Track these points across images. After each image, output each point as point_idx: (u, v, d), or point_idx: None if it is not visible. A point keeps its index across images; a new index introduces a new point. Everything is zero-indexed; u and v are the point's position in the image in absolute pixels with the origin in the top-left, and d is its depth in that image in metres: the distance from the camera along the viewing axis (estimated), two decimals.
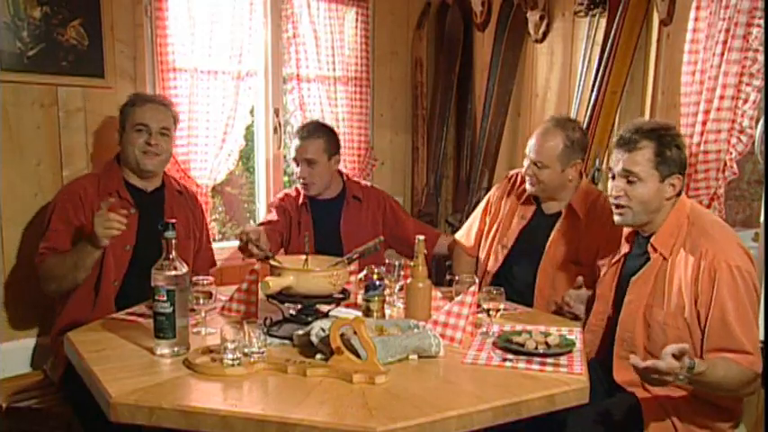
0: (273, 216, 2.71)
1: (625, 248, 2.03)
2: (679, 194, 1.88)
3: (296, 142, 2.71)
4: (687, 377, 1.56)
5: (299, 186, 2.79)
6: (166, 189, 2.49)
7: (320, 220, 2.72)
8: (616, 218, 1.92)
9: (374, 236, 2.70)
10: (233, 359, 1.59)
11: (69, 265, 2.15)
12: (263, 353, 1.62)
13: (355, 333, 1.57)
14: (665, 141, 1.83)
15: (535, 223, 2.43)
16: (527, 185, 2.40)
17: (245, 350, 1.61)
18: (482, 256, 2.58)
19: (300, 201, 2.75)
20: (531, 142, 2.35)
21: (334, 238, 2.67)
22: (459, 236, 2.72)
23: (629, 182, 1.85)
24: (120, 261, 2.26)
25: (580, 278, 2.20)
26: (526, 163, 2.37)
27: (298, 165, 2.70)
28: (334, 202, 2.77)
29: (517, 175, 2.56)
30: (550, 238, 2.37)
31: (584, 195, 2.37)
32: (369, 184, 3.08)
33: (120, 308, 2.16)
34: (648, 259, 1.90)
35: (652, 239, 1.89)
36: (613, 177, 1.91)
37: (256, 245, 2.17)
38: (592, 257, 2.26)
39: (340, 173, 2.86)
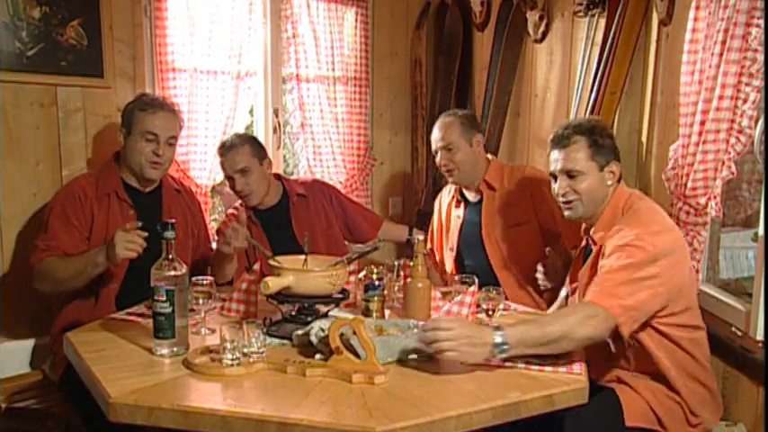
0: None
1: (582, 243, 2.10)
2: (619, 180, 1.95)
3: (220, 160, 2.61)
4: (502, 345, 1.56)
5: (237, 203, 2.71)
6: (164, 188, 2.48)
7: (271, 228, 2.65)
8: (566, 213, 1.98)
9: (328, 227, 2.73)
10: (232, 359, 1.59)
11: (72, 271, 2.12)
12: (262, 353, 1.62)
13: (354, 333, 1.57)
14: (595, 132, 1.92)
15: (469, 216, 2.63)
16: (448, 178, 2.61)
17: (245, 350, 1.61)
18: (441, 267, 2.76)
19: (245, 215, 2.62)
20: (435, 136, 2.58)
21: (290, 240, 2.59)
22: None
23: (570, 177, 1.92)
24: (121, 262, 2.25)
25: (548, 249, 2.39)
26: (438, 156, 2.57)
27: (231, 180, 2.59)
28: (279, 207, 2.68)
29: (442, 193, 2.80)
30: (482, 218, 2.55)
31: (496, 170, 2.58)
32: (309, 178, 3.04)
33: (120, 308, 2.16)
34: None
35: (591, 231, 1.95)
36: (555, 178, 1.98)
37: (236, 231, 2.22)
38: (527, 214, 2.49)
39: (278, 177, 2.77)
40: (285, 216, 2.67)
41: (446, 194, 2.77)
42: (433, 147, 2.59)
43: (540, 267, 2.34)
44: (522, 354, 1.62)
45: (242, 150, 2.56)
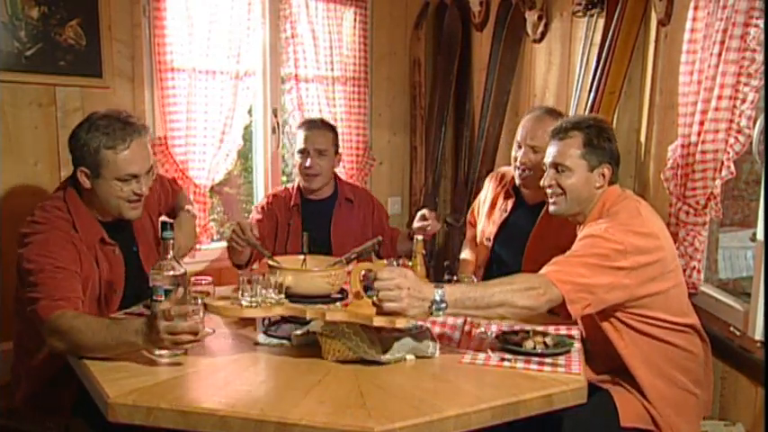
0: (258, 217, 2.66)
1: None
2: (611, 183, 1.92)
3: (304, 133, 2.64)
4: (440, 302, 1.57)
5: (299, 180, 2.71)
6: None
7: (311, 222, 2.64)
8: (551, 207, 1.98)
9: (363, 238, 2.71)
10: (251, 300, 1.63)
11: (100, 342, 1.64)
12: (280, 298, 1.68)
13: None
14: (593, 132, 1.90)
15: (517, 214, 2.46)
16: (518, 174, 2.39)
17: (263, 296, 1.66)
18: (472, 242, 2.63)
19: (293, 202, 2.69)
20: (527, 129, 2.36)
21: (324, 239, 2.60)
22: (463, 256, 2.69)
23: (558, 171, 1.92)
24: (112, 302, 2.04)
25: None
26: (521, 151, 2.36)
27: (306, 156, 2.62)
28: (326, 203, 2.72)
29: (497, 175, 2.62)
30: (535, 227, 2.37)
31: None
32: (359, 185, 3.05)
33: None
34: None
35: (578, 231, 1.93)
36: (545, 168, 1.98)
37: (251, 235, 2.18)
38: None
39: (334, 175, 2.81)
40: (328, 215, 2.71)
41: (497, 178, 2.59)
42: (520, 138, 2.37)
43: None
44: (459, 314, 1.63)
45: (328, 134, 2.68)
